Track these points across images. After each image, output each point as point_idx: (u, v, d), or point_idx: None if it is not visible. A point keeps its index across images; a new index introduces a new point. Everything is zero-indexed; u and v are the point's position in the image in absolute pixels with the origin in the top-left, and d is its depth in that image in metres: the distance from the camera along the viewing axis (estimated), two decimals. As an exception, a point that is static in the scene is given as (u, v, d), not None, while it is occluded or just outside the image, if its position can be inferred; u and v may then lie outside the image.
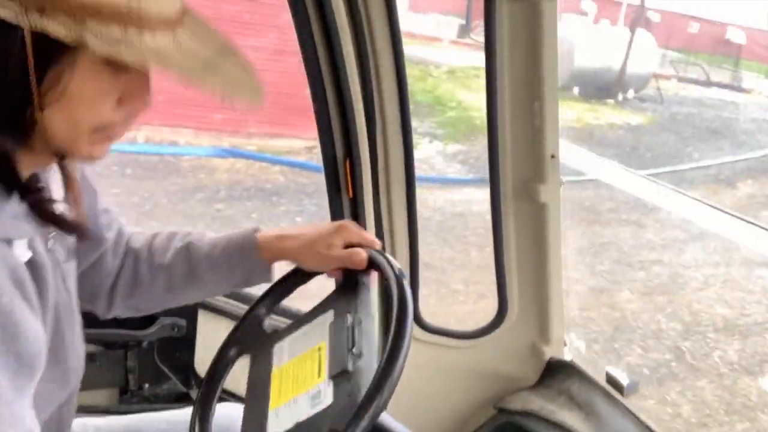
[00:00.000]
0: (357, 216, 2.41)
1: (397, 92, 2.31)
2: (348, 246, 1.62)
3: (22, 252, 1.22)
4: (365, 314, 1.54)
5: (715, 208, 11.10)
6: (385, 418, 1.87)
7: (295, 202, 9.74)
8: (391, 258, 1.52)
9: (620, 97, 19.81)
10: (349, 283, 1.62)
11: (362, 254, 1.59)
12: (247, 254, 1.65)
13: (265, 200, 9.83)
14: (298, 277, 1.68)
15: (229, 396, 2.15)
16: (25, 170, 1.21)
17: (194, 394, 2.40)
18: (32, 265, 1.23)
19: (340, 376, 1.43)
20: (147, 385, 2.40)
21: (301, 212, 9.42)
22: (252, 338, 1.66)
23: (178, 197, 9.77)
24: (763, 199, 12.37)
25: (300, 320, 1.61)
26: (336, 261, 1.62)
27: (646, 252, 9.57)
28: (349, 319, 1.53)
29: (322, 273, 1.67)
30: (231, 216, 9.03)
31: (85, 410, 2.22)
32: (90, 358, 2.31)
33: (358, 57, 2.23)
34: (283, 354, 1.56)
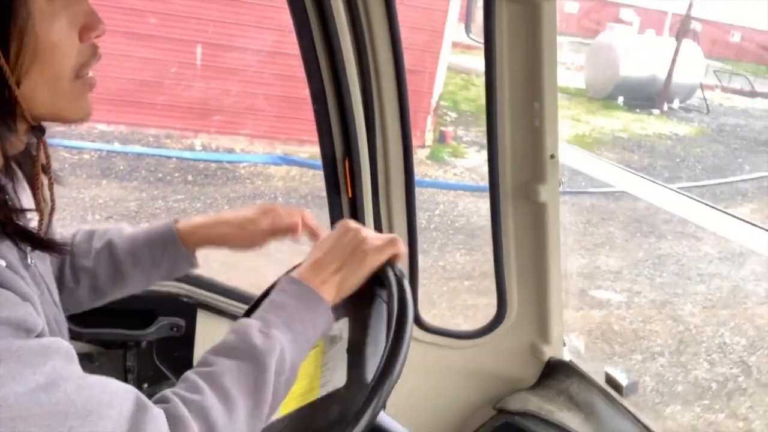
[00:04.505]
0: (356, 216, 2.42)
1: (397, 93, 2.31)
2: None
3: None
4: None
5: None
6: (384, 418, 1.87)
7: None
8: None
9: (665, 107, 19.91)
10: None
11: (291, 218, 1.70)
12: (170, 247, 1.66)
13: (322, 207, 9.48)
14: None
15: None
16: None
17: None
18: (12, 270, 1.16)
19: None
20: (146, 385, 2.40)
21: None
22: None
23: (239, 203, 9.87)
24: None
25: None
26: (266, 234, 1.70)
27: (705, 265, 9.59)
28: None
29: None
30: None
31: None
32: (89, 358, 2.32)
33: (357, 57, 2.24)
34: None
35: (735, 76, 24.38)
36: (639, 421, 2.21)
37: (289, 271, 1.52)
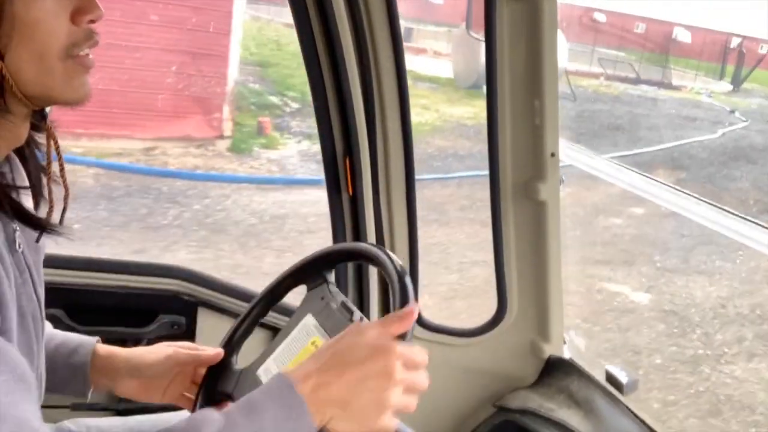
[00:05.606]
0: (357, 213, 2.42)
1: (397, 90, 2.31)
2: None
3: None
4: (341, 298, 1.56)
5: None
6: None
7: (87, 207, 8.78)
8: (392, 254, 1.50)
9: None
10: (314, 287, 1.61)
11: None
12: (75, 363, 1.58)
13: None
14: (298, 275, 1.65)
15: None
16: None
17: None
18: None
19: None
20: (147, 383, 2.40)
21: (86, 218, 8.47)
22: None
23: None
24: (635, 194, 11.92)
25: (277, 339, 1.58)
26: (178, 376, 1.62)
27: (473, 252, 9.00)
28: (333, 304, 1.54)
29: None
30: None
31: (84, 408, 2.22)
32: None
33: (358, 54, 2.24)
34: (271, 371, 1.53)
35: (621, 64, 24.32)
36: (639, 418, 2.21)
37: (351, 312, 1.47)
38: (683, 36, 27.10)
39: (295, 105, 14.47)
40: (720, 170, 14.48)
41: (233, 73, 12.22)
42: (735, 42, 27.30)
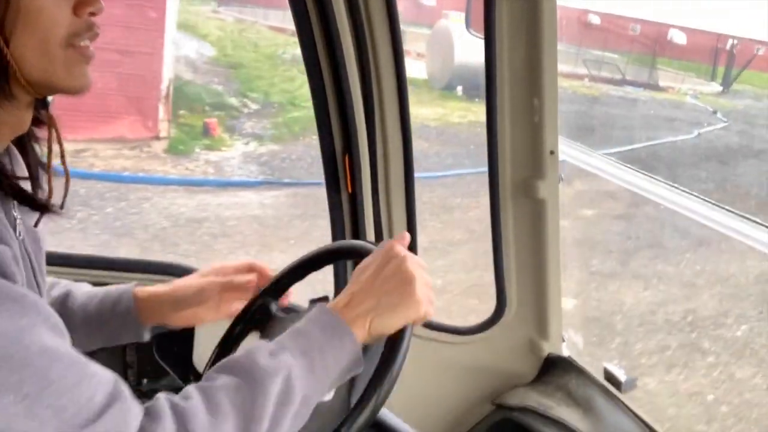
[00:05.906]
0: (356, 211, 2.43)
1: (396, 89, 2.33)
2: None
3: None
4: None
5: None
6: (384, 413, 1.87)
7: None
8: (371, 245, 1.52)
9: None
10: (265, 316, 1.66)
11: (243, 275, 1.69)
12: (122, 307, 1.62)
13: None
14: (297, 271, 1.67)
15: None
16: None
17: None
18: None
19: None
20: (146, 381, 2.39)
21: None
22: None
23: None
24: (590, 196, 11.59)
25: None
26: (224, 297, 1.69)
27: None
28: (300, 310, 1.55)
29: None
30: None
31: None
32: (89, 353, 2.31)
33: (357, 53, 2.25)
34: None
35: (606, 65, 24.25)
36: (637, 416, 2.22)
37: (320, 299, 1.50)
38: (678, 38, 27.22)
39: (254, 106, 14.23)
40: (687, 171, 14.40)
41: (168, 71, 11.94)
42: (729, 44, 27.47)
